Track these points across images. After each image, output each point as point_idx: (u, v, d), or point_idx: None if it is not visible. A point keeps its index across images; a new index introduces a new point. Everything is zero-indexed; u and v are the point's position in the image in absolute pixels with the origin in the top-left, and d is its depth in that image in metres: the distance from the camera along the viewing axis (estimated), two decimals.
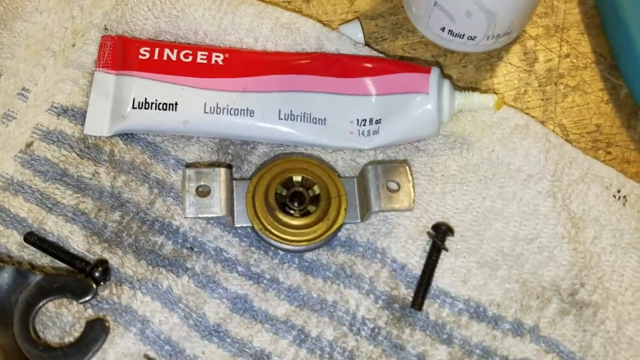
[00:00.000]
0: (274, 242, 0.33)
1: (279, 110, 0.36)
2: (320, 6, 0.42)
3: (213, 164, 0.36)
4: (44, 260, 0.33)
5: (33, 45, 0.37)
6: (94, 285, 0.30)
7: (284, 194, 0.34)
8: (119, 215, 0.34)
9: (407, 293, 0.33)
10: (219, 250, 0.34)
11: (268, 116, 0.35)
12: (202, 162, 0.36)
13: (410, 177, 0.33)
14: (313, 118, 0.36)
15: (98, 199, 0.34)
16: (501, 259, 0.34)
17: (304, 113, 0.36)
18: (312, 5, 0.42)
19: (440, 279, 0.34)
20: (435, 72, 0.35)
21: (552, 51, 0.42)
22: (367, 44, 0.40)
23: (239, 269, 0.34)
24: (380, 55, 0.39)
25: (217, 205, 0.32)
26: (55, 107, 0.36)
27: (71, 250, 0.33)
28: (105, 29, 0.37)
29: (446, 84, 0.35)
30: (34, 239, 0.33)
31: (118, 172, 0.35)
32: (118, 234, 0.34)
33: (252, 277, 0.33)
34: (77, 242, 0.33)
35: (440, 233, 0.34)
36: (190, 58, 0.36)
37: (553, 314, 0.33)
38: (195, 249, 0.34)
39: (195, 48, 0.36)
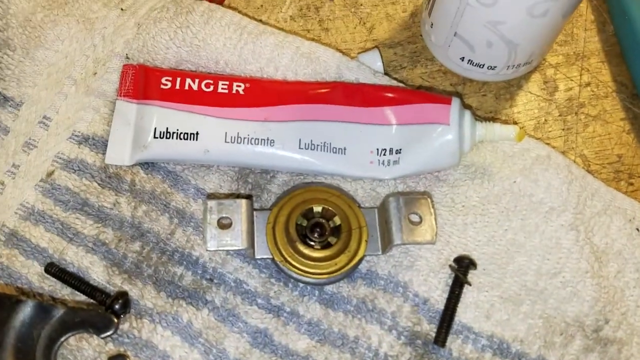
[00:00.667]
0: (294, 275, 0.33)
1: (300, 140, 0.36)
2: (339, 35, 0.42)
3: (233, 195, 0.35)
4: (64, 291, 0.33)
5: (54, 74, 0.37)
6: (115, 320, 0.29)
7: (304, 224, 0.34)
8: (139, 246, 0.34)
9: (429, 328, 0.33)
10: (239, 282, 0.34)
11: (288, 145, 0.35)
12: (222, 193, 0.36)
13: (432, 210, 0.33)
14: (333, 147, 0.36)
15: (118, 229, 0.34)
16: (524, 293, 0.34)
17: (324, 142, 0.36)
18: (330, 34, 0.42)
19: (463, 314, 0.33)
20: (456, 102, 0.35)
21: (572, 80, 0.41)
22: (386, 73, 0.40)
23: (259, 301, 0.33)
24: (400, 84, 0.39)
25: (238, 238, 0.32)
26: (76, 136, 0.36)
27: (91, 282, 0.33)
28: (127, 57, 0.37)
29: (467, 115, 0.35)
30: (54, 270, 0.32)
31: (139, 202, 0.35)
32: (138, 264, 0.34)
33: (272, 310, 0.33)
34: (97, 273, 0.33)
35: (463, 267, 0.34)
36: (212, 88, 0.36)
37: (577, 350, 0.32)
38: (215, 281, 0.34)
39: (216, 78, 0.36)
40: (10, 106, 0.36)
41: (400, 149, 0.36)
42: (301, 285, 0.34)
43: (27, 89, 0.37)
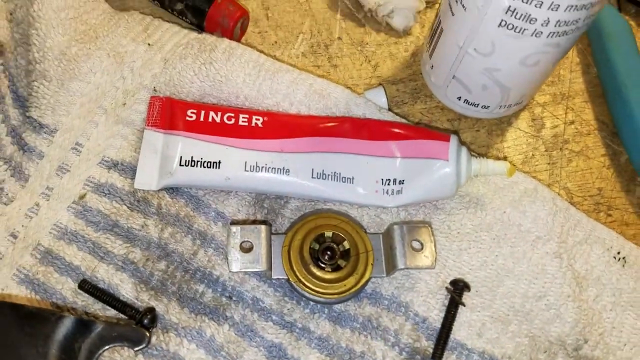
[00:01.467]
0: (307, 294, 0.36)
1: (312, 170, 0.39)
2: (346, 71, 0.46)
3: (253, 221, 0.39)
4: (96, 306, 0.36)
5: (87, 104, 0.40)
6: (148, 334, 0.33)
7: (316, 248, 0.37)
8: (165, 265, 0.37)
9: (427, 345, 0.36)
10: (256, 299, 0.37)
11: (302, 174, 0.39)
12: (240, 216, 0.39)
13: (432, 237, 0.37)
14: (342, 177, 0.39)
15: (146, 249, 0.37)
16: (512, 314, 0.37)
17: (334, 172, 0.39)
18: (339, 70, 0.46)
19: (458, 332, 0.37)
20: (454, 140, 0.39)
21: (558, 118, 0.45)
22: (389, 109, 0.43)
23: (274, 317, 0.37)
24: (402, 119, 0.42)
25: (259, 261, 0.35)
26: (106, 161, 0.39)
27: (121, 297, 0.36)
28: (154, 90, 0.41)
29: (464, 152, 0.39)
30: (88, 286, 0.35)
31: (165, 224, 0.38)
32: (163, 282, 0.37)
33: (286, 325, 0.36)
34: (126, 289, 0.36)
35: (458, 289, 0.37)
36: (233, 120, 0.39)
37: None
38: (234, 298, 0.37)
39: (237, 111, 0.40)
40: (45, 133, 0.39)
41: (403, 180, 0.39)
42: (312, 303, 0.37)
43: (62, 117, 0.40)
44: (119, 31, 0.42)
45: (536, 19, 0.32)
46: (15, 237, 0.37)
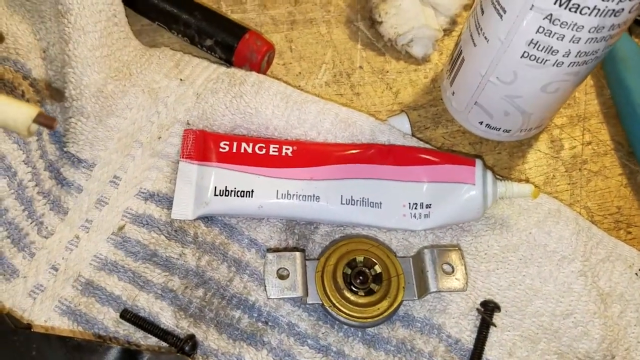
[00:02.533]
0: (341, 318, 0.38)
1: (341, 196, 0.40)
2: (368, 98, 0.47)
3: (286, 249, 0.40)
4: (137, 335, 0.37)
5: (124, 138, 0.41)
6: None
7: (349, 273, 0.39)
8: (202, 292, 0.38)
9: None
10: (291, 324, 0.38)
11: (331, 201, 0.40)
12: (271, 245, 0.40)
13: (462, 261, 0.38)
14: (370, 202, 0.41)
15: (184, 278, 0.38)
16: (541, 333, 0.38)
17: (363, 198, 0.41)
18: (361, 98, 0.47)
19: (489, 351, 0.38)
20: (479, 164, 0.40)
21: (575, 139, 0.47)
22: (412, 134, 0.45)
23: (309, 342, 0.38)
24: (426, 145, 0.44)
25: (296, 287, 0.36)
26: (142, 192, 0.41)
27: (161, 325, 0.37)
28: (188, 123, 0.42)
29: (489, 175, 0.40)
30: (129, 315, 0.37)
31: (202, 252, 0.39)
32: (201, 309, 0.38)
33: (321, 349, 0.38)
34: (166, 317, 0.37)
35: (489, 310, 0.38)
36: (264, 151, 0.41)
37: None
38: (270, 323, 0.38)
39: (267, 142, 0.41)
40: (83, 167, 0.41)
41: (430, 204, 0.40)
42: (345, 326, 0.38)
43: (100, 152, 0.41)
44: (152, 67, 0.44)
45: (558, 51, 0.34)
46: (56, 269, 0.39)
